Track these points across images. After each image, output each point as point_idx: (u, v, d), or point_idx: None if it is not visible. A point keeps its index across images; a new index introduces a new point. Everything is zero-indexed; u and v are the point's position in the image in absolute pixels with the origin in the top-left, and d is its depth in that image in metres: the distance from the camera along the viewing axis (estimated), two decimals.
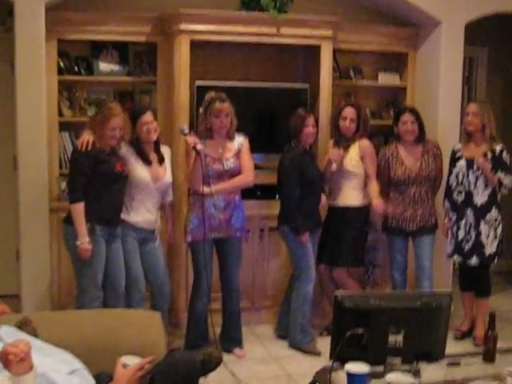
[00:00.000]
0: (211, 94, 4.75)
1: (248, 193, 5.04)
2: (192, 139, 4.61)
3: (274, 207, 5.25)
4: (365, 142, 5.19)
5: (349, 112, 5.16)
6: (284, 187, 5.04)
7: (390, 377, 2.92)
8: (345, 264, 5.31)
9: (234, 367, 4.71)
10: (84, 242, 4.35)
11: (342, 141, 5.20)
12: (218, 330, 5.03)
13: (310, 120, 4.99)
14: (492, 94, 7.13)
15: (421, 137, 5.27)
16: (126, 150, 4.63)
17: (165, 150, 4.84)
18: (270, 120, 5.69)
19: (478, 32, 6.15)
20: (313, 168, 5.05)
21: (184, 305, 5.25)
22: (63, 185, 5.22)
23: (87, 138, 4.41)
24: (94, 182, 4.41)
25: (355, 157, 5.16)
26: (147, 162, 4.66)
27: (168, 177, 4.78)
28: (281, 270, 5.58)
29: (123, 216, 4.63)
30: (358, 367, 2.97)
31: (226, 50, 5.53)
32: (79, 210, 4.37)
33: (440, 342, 3.25)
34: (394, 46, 5.96)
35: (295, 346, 5.12)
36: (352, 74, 6.03)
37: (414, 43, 5.97)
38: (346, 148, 5.18)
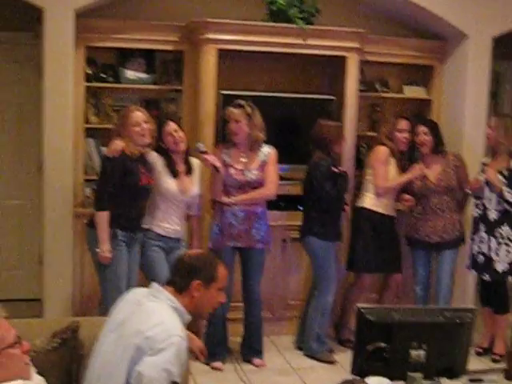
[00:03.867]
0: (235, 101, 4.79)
1: (271, 204, 5.04)
2: (209, 157, 4.64)
3: (297, 218, 5.26)
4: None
5: (405, 124, 5.23)
6: (319, 193, 4.99)
7: None
8: (400, 270, 5.44)
9: (252, 377, 4.70)
10: (104, 250, 4.38)
11: (398, 156, 5.29)
12: (239, 339, 5.03)
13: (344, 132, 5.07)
14: None
15: (438, 149, 5.24)
16: (155, 158, 4.64)
17: (194, 162, 4.82)
18: (295, 131, 5.68)
19: (505, 46, 6.10)
20: (340, 180, 5.04)
21: None
22: (87, 191, 5.26)
23: (117, 144, 4.44)
24: (120, 193, 4.42)
25: None
26: (175, 173, 4.66)
27: (195, 189, 4.77)
28: (302, 281, 5.57)
29: (148, 225, 4.64)
30: (380, 381, 2.95)
31: (252, 59, 5.54)
32: (104, 218, 4.39)
33: (462, 358, 3.22)
34: (421, 58, 5.95)
35: (310, 354, 5.13)
36: (378, 86, 6.02)
37: (440, 56, 5.96)
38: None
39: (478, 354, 5.26)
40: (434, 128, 5.25)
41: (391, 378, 2.98)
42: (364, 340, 3.06)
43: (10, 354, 2.32)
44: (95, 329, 3.08)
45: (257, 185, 4.80)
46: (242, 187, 4.76)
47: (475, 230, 5.16)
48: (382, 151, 5.27)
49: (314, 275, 5.18)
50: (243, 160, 4.79)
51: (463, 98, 5.76)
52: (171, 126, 4.65)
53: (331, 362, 5.04)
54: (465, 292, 5.76)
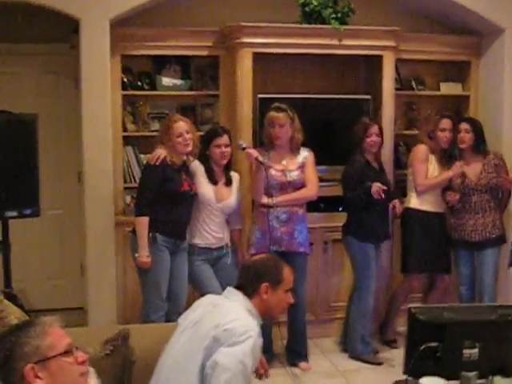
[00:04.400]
0: (273, 104, 4.77)
1: (311, 205, 5.02)
2: (253, 151, 4.62)
3: (337, 219, 5.25)
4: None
5: (447, 123, 5.18)
6: (345, 198, 5.02)
7: None
8: (449, 270, 5.38)
9: (299, 381, 4.69)
10: (142, 255, 4.42)
11: (439, 154, 5.24)
12: (283, 342, 5.02)
13: (374, 129, 4.98)
14: None
15: (479, 148, 5.19)
16: (196, 166, 4.67)
17: (233, 175, 4.84)
18: (333, 132, 5.66)
19: None
20: (375, 180, 4.98)
21: None
22: (128, 199, 5.29)
23: (159, 152, 4.47)
24: (160, 199, 4.46)
25: None
26: (213, 180, 4.68)
27: (233, 200, 4.76)
28: (344, 282, 5.53)
29: (188, 239, 4.67)
30: (434, 381, 2.92)
31: (287, 62, 5.55)
32: (143, 223, 4.43)
33: None
34: (456, 54, 5.90)
35: (356, 356, 5.10)
36: (414, 84, 5.97)
37: (476, 51, 5.90)
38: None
39: None
40: (476, 126, 5.19)
41: (444, 378, 2.95)
42: (416, 340, 3.03)
43: (61, 364, 2.26)
44: (145, 336, 3.11)
45: (298, 185, 4.79)
46: (283, 188, 4.75)
47: None
48: (421, 150, 5.23)
49: (354, 276, 5.15)
50: (283, 162, 4.78)
51: (501, 92, 5.69)
52: (224, 140, 4.66)
53: (378, 363, 5.01)
54: (509, 290, 5.68)
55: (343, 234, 5.13)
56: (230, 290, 2.93)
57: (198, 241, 4.68)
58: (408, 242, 5.25)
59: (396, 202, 5.09)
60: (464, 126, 5.18)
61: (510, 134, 5.64)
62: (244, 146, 4.68)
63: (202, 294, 4.56)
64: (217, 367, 2.55)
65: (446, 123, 5.20)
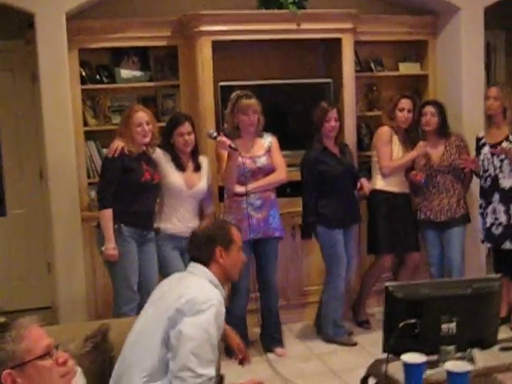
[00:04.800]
0: (237, 92, 4.76)
1: (278, 191, 5.01)
2: (225, 138, 4.59)
3: None
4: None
5: (405, 103, 5.21)
6: (302, 187, 5.05)
7: (447, 365, 2.88)
8: (418, 248, 5.42)
9: (276, 366, 4.69)
10: (109, 247, 4.39)
11: (401, 134, 5.28)
12: (257, 330, 5.02)
13: (332, 113, 4.97)
14: (511, 77, 7.07)
15: (443, 130, 5.26)
16: (159, 155, 4.63)
17: (202, 160, 4.82)
18: (295, 117, 5.67)
19: (495, 16, 6.08)
20: (333, 165, 4.99)
21: None
22: (93, 194, 5.23)
23: (116, 144, 4.45)
24: (122, 190, 4.44)
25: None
26: (181, 167, 4.66)
27: (203, 184, 4.74)
28: (314, 266, 5.55)
29: (157, 225, 4.64)
30: (415, 357, 2.95)
31: (246, 48, 5.52)
32: (106, 216, 4.41)
33: (492, 328, 3.23)
34: (413, 34, 5.93)
35: (329, 339, 5.12)
36: (373, 65, 6.00)
37: (433, 31, 5.94)
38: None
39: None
40: (441, 109, 5.25)
41: (424, 353, 2.98)
42: (394, 318, 3.06)
43: (39, 367, 2.18)
44: (124, 329, 3.08)
45: (268, 171, 4.80)
46: (254, 175, 4.74)
47: (487, 203, 5.17)
48: (384, 132, 5.27)
49: (324, 261, 5.17)
50: (250, 148, 4.78)
51: (459, 70, 5.74)
52: (186, 127, 4.63)
53: (352, 345, 5.04)
54: (476, 268, 5.77)
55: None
56: (192, 264, 2.97)
57: (169, 227, 4.65)
58: (376, 223, 5.28)
59: (363, 180, 5.12)
60: (430, 109, 5.22)
61: (468, 112, 5.70)
62: (215, 134, 4.64)
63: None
64: (181, 337, 2.61)
65: (404, 103, 5.23)
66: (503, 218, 5.08)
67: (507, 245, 5.11)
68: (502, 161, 5.05)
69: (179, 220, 4.66)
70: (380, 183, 5.25)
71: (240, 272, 3.10)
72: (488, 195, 5.16)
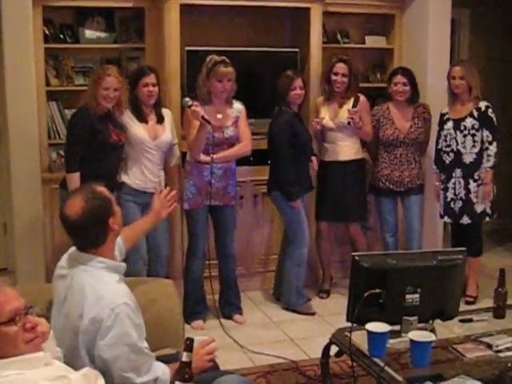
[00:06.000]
0: (214, 57, 4.69)
1: (240, 159, 4.99)
2: (199, 109, 4.53)
3: (266, 173, 5.24)
4: (363, 97, 5.24)
5: (340, 67, 5.18)
6: (277, 153, 5.01)
7: (411, 334, 2.93)
8: (359, 219, 5.45)
9: (235, 333, 4.71)
10: None
11: (335, 96, 5.24)
12: (216, 297, 5.03)
13: (298, 82, 4.96)
14: (474, 55, 7.13)
15: (413, 98, 5.31)
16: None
17: (165, 112, 4.79)
18: (260, 85, 5.64)
19: None
20: (303, 131, 5.04)
21: (179, 273, 5.23)
22: (54, 155, 5.15)
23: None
24: (90, 152, 4.39)
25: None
26: (142, 119, 4.62)
27: (167, 135, 4.72)
28: (274, 235, 5.57)
29: (121, 179, 4.60)
30: (378, 326, 2.99)
31: (214, 14, 5.46)
32: (74, 179, 4.34)
33: (455, 300, 3.29)
34: (381, 8, 5.92)
35: (290, 307, 5.16)
36: (339, 37, 5.99)
37: (400, 5, 5.94)
38: (341, 103, 5.24)
39: (469, 303, 5.27)
40: (411, 78, 5.28)
41: (387, 323, 3.02)
42: (359, 287, 3.09)
43: (2, 333, 2.15)
44: None
45: (233, 141, 4.78)
46: (220, 144, 4.70)
47: (448, 177, 5.23)
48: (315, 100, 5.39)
49: (286, 229, 5.19)
50: (219, 117, 4.73)
51: (425, 45, 5.75)
52: (151, 78, 4.59)
53: (311, 314, 5.09)
54: (433, 239, 5.86)
55: (270, 189, 5.13)
56: (81, 255, 2.62)
57: (132, 180, 4.61)
58: (321, 190, 5.35)
59: (314, 158, 5.18)
60: (401, 79, 5.26)
61: (433, 88, 5.70)
62: (190, 103, 4.57)
63: None
64: (106, 363, 2.45)
65: (339, 67, 5.19)
66: (463, 193, 5.16)
67: (465, 220, 5.19)
68: (465, 136, 5.12)
69: (143, 173, 4.63)
70: (329, 154, 5.31)
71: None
72: (450, 170, 5.22)
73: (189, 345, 2.37)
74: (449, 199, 5.23)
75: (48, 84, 5.21)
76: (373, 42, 6.10)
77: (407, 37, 5.96)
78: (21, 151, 4.91)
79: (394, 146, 5.29)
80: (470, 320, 3.47)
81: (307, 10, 5.41)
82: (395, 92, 5.27)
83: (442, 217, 5.38)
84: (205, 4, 5.20)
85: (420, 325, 3.17)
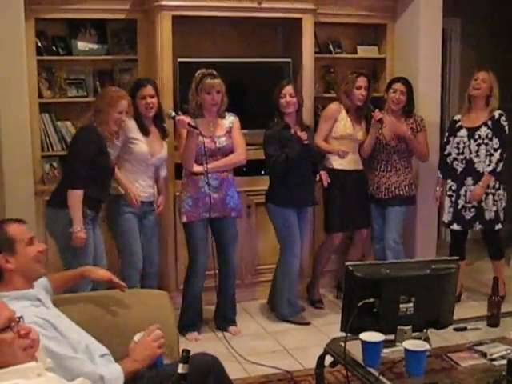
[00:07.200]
0: (202, 71, 4.70)
1: (234, 170, 4.98)
2: (183, 117, 4.54)
3: (260, 183, 5.29)
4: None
5: (363, 81, 5.25)
6: (266, 163, 5.03)
7: (406, 343, 2.93)
8: (369, 225, 5.49)
9: (230, 344, 4.69)
10: (80, 229, 4.17)
11: (352, 109, 5.32)
12: (211, 308, 5.03)
13: (287, 89, 4.96)
14: (465, 64, 7.16)
15: (409, 110, 5.36)
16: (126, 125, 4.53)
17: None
18: (253, 96, 5.65)
19: (451, 3, 6.14)
20: (292, 145, 4.93)
21: (174, 285, 5.23)
22: (47, 167, 5.15)
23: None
24: (93, 173, 4.25)
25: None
26: (145, 132, 4.62)
27: (165, 152, 4.77)
28: (268, 246, 5.57)
29: (117, 192, 4.58)
30: (373, 336, 2.99)
31: (206, 25, 5.49)
32: (78, 196, 4.19)
33: (448, 309, 3.29)
34: (373, 18, 5.96)
35: (283, 318, 5.16)
36: (331, 47, 6.02)
37: (392, 15, 5.97)
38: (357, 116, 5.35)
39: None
40: (409, 88, 5.33)
41: (381, 333, 3.02)
42: (353, 297, 3.09)
43: (1, 340, 2.20)
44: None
45: (227, 151, 4.77)
46: (212, 155, 4.70)
47: (459, 185, 5.27)
48: (329, 108, 5.39)
49: (278, 241, 5.19)
50: (211, 128, 4.74)
51: (417, 55, 5.78)
52: (148, 90, 4.59)
53: (305, 324, 5.09)
54: (427, 247, 5.89)
55: (265, 200, 5.15)
56: None
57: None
58: (328, 202, 5.35)
59: (323, 173, 5.17)
60: (400, 87, 5.30)
61: (424, 97, 5.73)
62: (173, 114, 4.59)
63: (125, 250, 4.61)
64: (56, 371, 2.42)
65: (362, 81, 5.27)
66: (475, 202, 5.20)
67: (477, 226, 5.27)
68: (478, 145, 5.18)
69: (141, 185, 4.65)
70: (333, 162, 5.29)
71: (40, 266, 2.82)
72: (461, 178, 5.27)
73: (185, 356, 2.37)
74: (460, 207, 5.27)
75: (41, 96, 5.22)
76: (365, 51, 6.13)
77: (399, 46, 6.00)
78: (14, 163, 4.89)
79: (378, 152, 5.36)
80: (465, 328, 3.47)
81: (299, 20, 5.43)
82: (391, 99, 5.30)
83: (449, 224, 5.40)
84: (197, 15, 5.20)
85: (414, 334, 3.17)
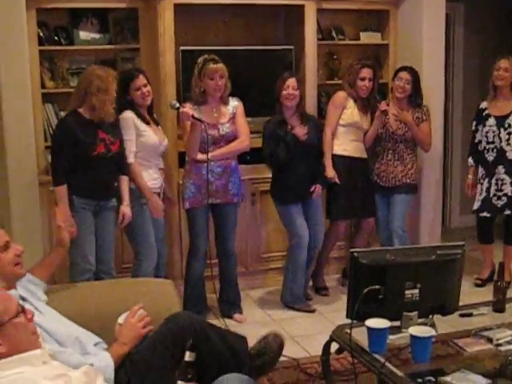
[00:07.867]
0: (204, 56, 4.68)
1: (238, 157, 4.98)
2: (187, 110, 4.52)
3: (264, 171, 5.27)
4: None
5: (367, 72, 5.21)
6: (264, 158, 5.03)
7: (411, 329, 2.93)
8: (374, 214, 5.48)
9: (237, 331, 4.69)
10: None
11: (360, 101, 5.27)
12: (216, 295, 5.04)
13: (290, 82, 4.91)
14: (469, 50, 7.15)
15: (415, 100, 5.33)
16: (126, 118, 4.50)
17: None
18: (257, 83, 5.62)
19: None
20: (288, 140, 4.89)
21: (179, 273, 5.24)
22: (50, 157, 5.14)
23: None
24: (72, 164, 4.25)
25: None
26: (145, 121, 4.60)
27: (166, 138, 4.77)
28: (273, 233, 5.57)
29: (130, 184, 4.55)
30: (379, 322, 2.99)
31: (208, 14, 5.47)
32: (61, 192, 4.23)
33: (454, 294, 3.29)
34: (375, 4, 5.92)
35: (288, 306, 5.17)
36: (334, 33, 5.99)
37: (394, 0, 5.94)
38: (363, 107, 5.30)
39: (478, 285, 5.48)
40: (415, 77, 5.30)
41: (387, 319, 3.02)
42: (359, 283, 3.10)
43: (16, 325, 2.27)
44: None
45: (230, 138, 4.76)
46: (216, 142, 4.69)
47: (491, 174, 5.27)
48: (337, 96, 5.32)
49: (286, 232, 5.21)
50: (215, 115, 4.72)
51: (420, 41, 5.76)
52: (141, 80, 4.55)
53: (310, 311, 5.09)
54: (433, 235, 5.89)
55: (270, 195, 5.18)
56: None
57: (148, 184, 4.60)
58: (333, 189, 5.28)
59: (318, 186, 5.07)
60: (406, 75, 5.27)
61: (428, 82, 5.69)
62: (177, 105, 4.57)
63: (143, 243, 4.58)
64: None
65: (366, 72, 5.23)
66: (508, 189, 5.21)
67: (507, 212, 5.28)
68: (509, 134, 5.18)
69: (151, 176, 4.62)
70: (337, 148, 5.26)
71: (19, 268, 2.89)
72: (492, 167, 5.27)
73: (191, 344, 2.37)
74: (491, 195, 5.27)
75: (43, 86, 5.21)
76: (368, 38, 6.10)
77: (402, 32, 5.97)
78: (17, 154, 4.89)
79: (385, 141, 5.33)
80: (470, 314, 3.47)
81: (301, 7, 5.41)
82: (396, 87, 5.29)
83: (477, 212, 5.40)
84: (199, 3, 5.19)
85: (420, 320, 3.18)
